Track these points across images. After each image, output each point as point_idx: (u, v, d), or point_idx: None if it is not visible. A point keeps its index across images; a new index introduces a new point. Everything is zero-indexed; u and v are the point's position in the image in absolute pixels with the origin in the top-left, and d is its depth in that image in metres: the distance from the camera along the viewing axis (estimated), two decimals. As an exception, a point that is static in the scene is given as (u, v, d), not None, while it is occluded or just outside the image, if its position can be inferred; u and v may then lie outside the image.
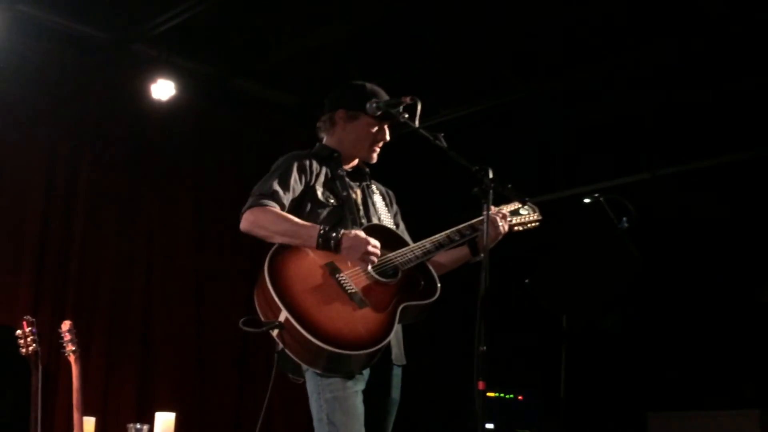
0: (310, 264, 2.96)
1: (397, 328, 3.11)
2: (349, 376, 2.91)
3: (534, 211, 3.39)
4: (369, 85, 3.28)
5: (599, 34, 6.18)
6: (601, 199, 4.93)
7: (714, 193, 7.01)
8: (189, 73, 6.73)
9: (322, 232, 2.97)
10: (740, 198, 6.97)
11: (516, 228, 3.35)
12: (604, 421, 7.41)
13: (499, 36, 6.31)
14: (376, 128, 3.25)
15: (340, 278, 2.96)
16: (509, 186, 3.01)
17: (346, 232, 2.98)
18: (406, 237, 3.32)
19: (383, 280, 3.00)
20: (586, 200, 5.20)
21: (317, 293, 2.91)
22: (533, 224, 3.39)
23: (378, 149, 3.30)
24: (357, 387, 2.93)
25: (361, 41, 6.38)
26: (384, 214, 3.29)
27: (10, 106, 6.06)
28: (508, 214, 3.30)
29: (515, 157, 7.42)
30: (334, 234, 2.97)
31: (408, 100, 3.10)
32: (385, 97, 3.25)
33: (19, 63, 6.04)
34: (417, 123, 3.09)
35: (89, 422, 4.43)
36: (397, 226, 3.37)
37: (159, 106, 6.41)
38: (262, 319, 2.93)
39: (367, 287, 2.97)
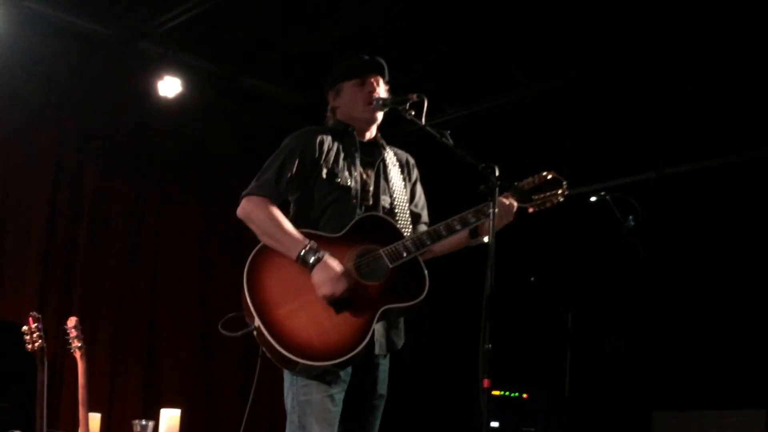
0: (292, 264, 2.93)
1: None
2: (325, 378, 2.90)
3: (559, 185, 3.21)
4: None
5: (605, 33, 6.17)
6: (608, 197, 4.94)
7: (720, 192, 6.99)
8: (195, 70, 6.74)
9: (302, 253, 2.90)
10: (747, 197, 6.95)
11: (532, 208, 3.18)
12: (609, 419, 7.40)
13: (504, 35, 6.30)
14: (359, 84, 3.24)
15: None
16: (515, 184, 2.99)
17: (327, 259, 2.90)
18: (422, 206, 3.28)
19: (365, 282, 2.94)
20: (593, 199, 5.21)
21: (295, 297, 2.90)
22: (557, 199, 3.22)
23: (374, 105, 3.19)
24: (333, 390, 2.91)
25: (366, 38, 6.36)
26: (398, 191, 3.19)
27: (17, 101, 6.06)
28: (516, 205, 3.13)
29: (521, 155, 7.41)
30: (313, 258, 2.89)
31: (414, 97, 3.08)
32: (356, 62, 3.29)
33: (26, 59, 6.05)
34: (424, 120, 3.07)
35: (95, 418, 4.45)
36: (413, 196, 3.29)
37: (165, 103, 6.42)
38: (246, 316, 2.94)
39: (348, 289, 2.90)
